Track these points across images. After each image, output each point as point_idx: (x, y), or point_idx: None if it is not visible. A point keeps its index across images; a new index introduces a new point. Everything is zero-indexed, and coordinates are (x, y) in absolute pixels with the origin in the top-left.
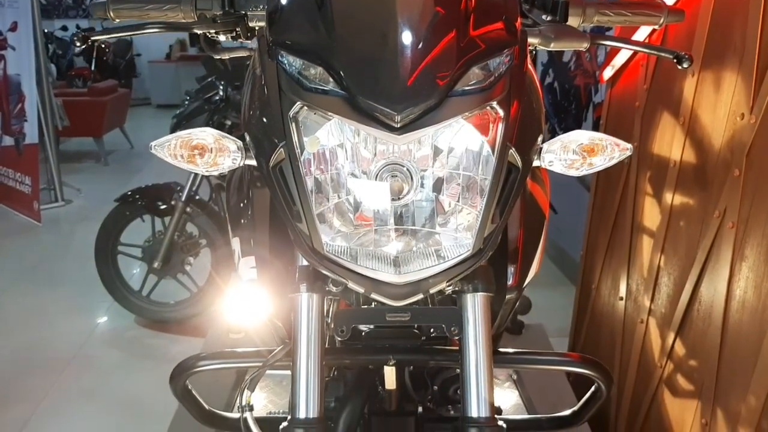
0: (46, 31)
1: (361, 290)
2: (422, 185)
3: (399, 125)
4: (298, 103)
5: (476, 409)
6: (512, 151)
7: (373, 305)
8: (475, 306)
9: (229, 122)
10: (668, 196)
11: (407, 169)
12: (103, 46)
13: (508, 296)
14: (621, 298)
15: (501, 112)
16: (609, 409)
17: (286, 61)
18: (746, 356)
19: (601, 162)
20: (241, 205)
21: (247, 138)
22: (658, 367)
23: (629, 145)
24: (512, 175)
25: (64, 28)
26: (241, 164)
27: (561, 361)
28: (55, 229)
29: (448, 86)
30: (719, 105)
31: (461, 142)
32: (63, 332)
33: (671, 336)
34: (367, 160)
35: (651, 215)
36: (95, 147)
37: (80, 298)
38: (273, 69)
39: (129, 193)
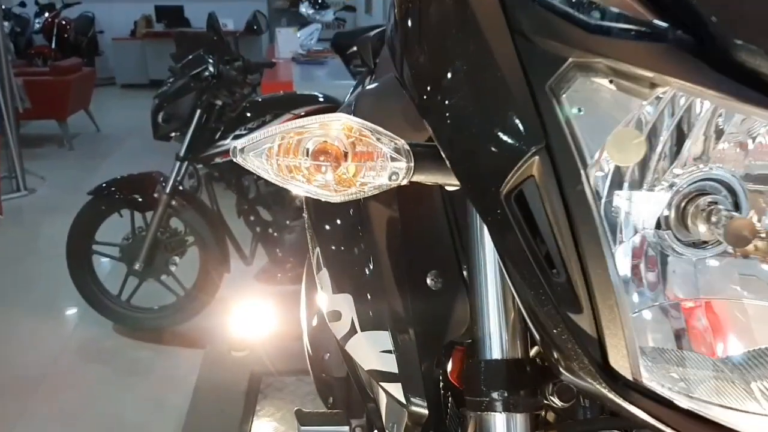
0: (3, 6)
1: None
2: None
3: None
4: (570, 60)
5: None
6: None
7: None
8: None
9: (219, 102)
10: None
11: (729, 191)
12: (63, 22)
13: None
14: None
15: None
16: None
17: None
18: None
19: None
20: (346, 232)
21: (430, 128)
22: None
23: None
24: None
25: (22, 4)
26: (405, 182)
27: None
28: (18, 222)
29: None
30: None
31: None
32: (32, 344)
33: None
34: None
35: None
36: (58, 130)
37: (50, 301)
38: None
39: (104, 185)
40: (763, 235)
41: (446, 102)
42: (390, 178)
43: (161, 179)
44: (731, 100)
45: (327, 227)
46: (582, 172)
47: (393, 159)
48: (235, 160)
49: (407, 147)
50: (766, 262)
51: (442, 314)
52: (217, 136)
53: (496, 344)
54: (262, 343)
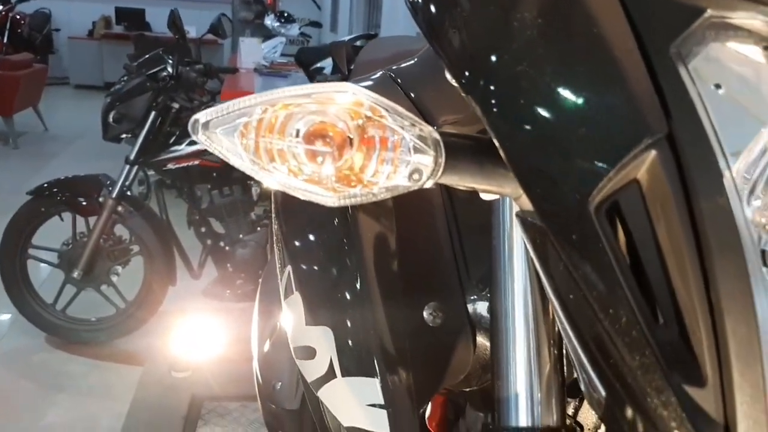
0: None
1: None
2: None
3: None
4: (708, 13)
5: None
6: None
7: None
8: None
9: (176, 105)
10: None
11: None
12: (18, 17)
13: None
14: None
15: None
16: None
17: None
18: None
19: None
20: (329, 249)
21: (479, 108)
22: None
23: None
24: None
25: None
26: (429, 184)
27: None
28: None
29: None
30: None
31: None
32: None
33: None
34: None
35: None
36: (3, 127)
37: None
38: None
39: (46, 185)
40: None
41: (508, 71)
42: (410, 177)
43: (108, 183)
44: None
45: (304, 242)
46: (727, 173)
47: (417, 150)
48: (195, 137)
49: (437, 136)
50: None
51: (440, 357)
52: (172, 141)
53: (525, 407)
54: (206, 364)
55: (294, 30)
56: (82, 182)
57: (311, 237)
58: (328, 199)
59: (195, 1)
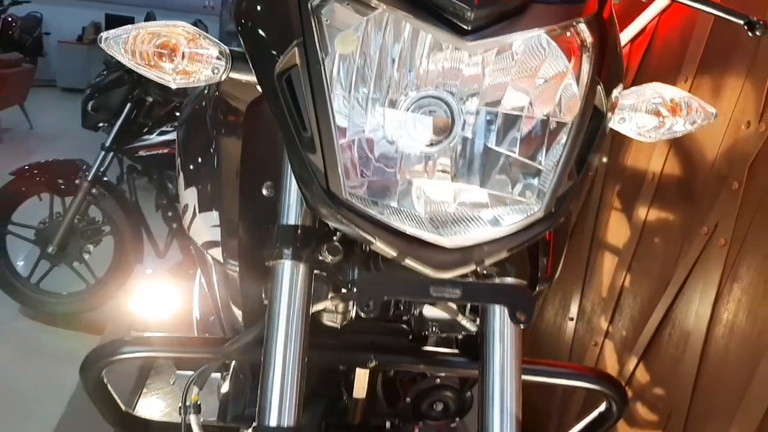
0: None
1: (391, 254)
2: (471, 126)
3: (471, 26)
4: None
5: (500, 427)
6: (600, 88)
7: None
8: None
9: (150, 99)
10: (641, 211)
11: (448, 105)
12: (9, 19)
13: (539, 288)
14: (571, 319)
15: (588, 37)
16: None
17: None
18: (731, 387)
19: (682, 126)
20: (201, 145)
21: (242, 37)
22: None
23: (714, 111)
24: (594, 121)
25: None
26: (223, 77)
27: (569, 374)
28: None
29: None
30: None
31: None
32: None
33: (633, 360)
34: (404, 82)
35: (617, 231)
36: None
37: None
38: None
39: (27, 166)
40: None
41: (247, 14)
42: (213, 71)
43: (84, 167)
44: (419, 22)
45: (189, 145)
46: (322, 60)
47: (217, 59)
48: (100, 45)
49: (228, 51)
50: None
51: (271, 216)
52: (144, 131)
53: (292, 213)
54: (164, 325)
55: None
56: (60, 165)
57: (194, 141)
58: (170, 82)
59: (184, 12)
